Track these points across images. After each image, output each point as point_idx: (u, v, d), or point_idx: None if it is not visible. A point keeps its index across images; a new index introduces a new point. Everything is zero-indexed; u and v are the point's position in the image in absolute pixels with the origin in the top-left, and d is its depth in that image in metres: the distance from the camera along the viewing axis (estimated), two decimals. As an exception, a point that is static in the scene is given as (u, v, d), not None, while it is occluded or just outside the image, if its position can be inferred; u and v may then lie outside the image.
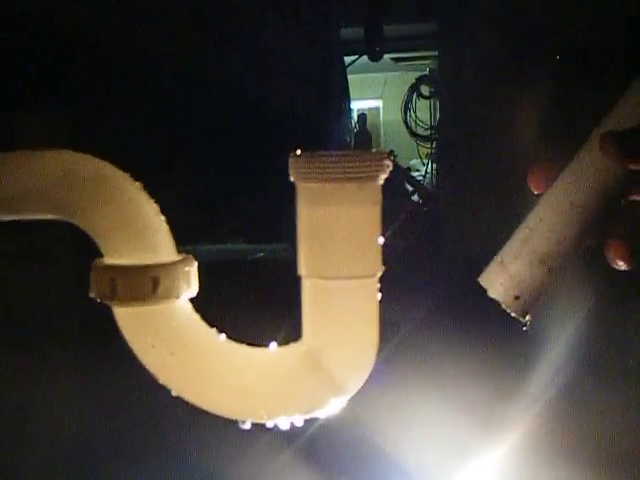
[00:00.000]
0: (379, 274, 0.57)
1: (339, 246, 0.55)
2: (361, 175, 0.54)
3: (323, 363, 0.57)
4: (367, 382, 0.59)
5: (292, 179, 0.56)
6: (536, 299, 0.62)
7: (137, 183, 0.60)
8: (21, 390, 1.74)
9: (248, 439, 1.44)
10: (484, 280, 0.64)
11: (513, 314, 0.63)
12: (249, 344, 0.60)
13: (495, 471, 1.16)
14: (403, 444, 1.24)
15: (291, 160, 0.56)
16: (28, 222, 0.64)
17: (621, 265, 0.62)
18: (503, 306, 0.63)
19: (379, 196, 0.56)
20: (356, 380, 0.58)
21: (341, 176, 0.54)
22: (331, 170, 0.54)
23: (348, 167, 0.54)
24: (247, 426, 0.59)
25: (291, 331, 0.61)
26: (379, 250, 0.57)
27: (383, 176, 0.56)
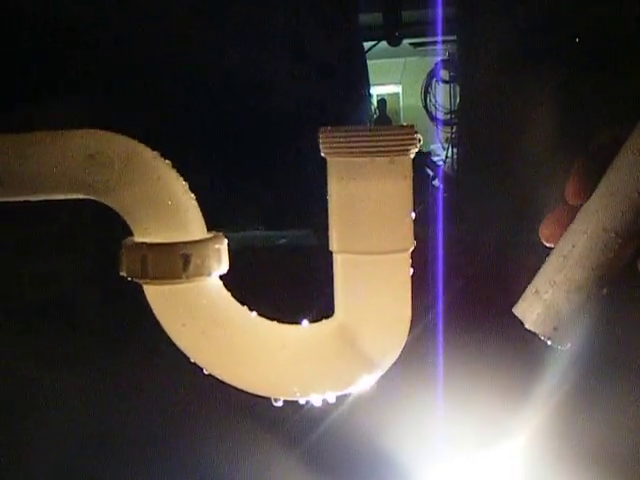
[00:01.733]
0: (411, 249, 0.57)
1: (370, 221, 0.55)
2: (392, 149, 0.54)
3: (355, 339, 0.57)
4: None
5: (323, 154, 0.56)
6: (575, 327, 0.61)
7: (167, 161, 0.59)
8: (32, 379, 1.75)
9: (252, 437, 1.45)
10: (519, 311, 0.62)
11: (552, 344, 0.61)
12: (280, 321, 0.60)
13: (500, 472, 1.16)
14: (405, 443, 1.24)
15: (322, 135, 0.56)
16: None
17: None
18: (542, 338, 0.61)
19: (410, 170, 0.56)
20: (388, 356, 0.58)
21: (372, 150, 0.54)
22: (362, 144, 0.54)
23: (379, 141, 0.54)
24: (279, 404, 0.59)
25: (316, 315, 0.61)
26: (411, 225, 0.56)
27: (414, 150, 0.55)
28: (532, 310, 0.61)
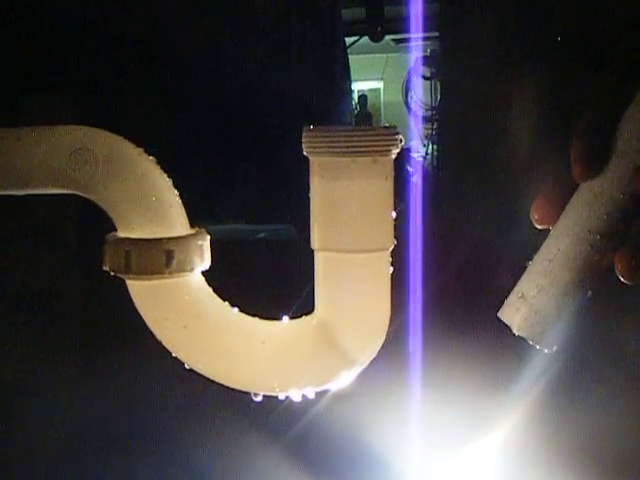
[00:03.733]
0: (391, 248, 0.58)
1: (352, 220, 0.56)
2: (374, 149, 0.55)
3: (335, 336, 0.58)
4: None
5: (305, 153, 0.57)
6: (563, 330, 0.61)
7: (151, 158, 0.60)
8: (19, 372, 1.74)
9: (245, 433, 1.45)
10: (506, 316, 0.62)
11: (539, 347, 0.62)
12: (261, 317, 0.61)
13: (493, 472, 1.17)
14: (395, 442, 1.25)
15: (304, 134, 0.56)
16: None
17: (623, 279, 0.61)
18: (530, 342, 0.61)
19: (391, 170, 0.57)
20: (368, 353, 0.59)
21: (354, 150, 0.55)
22: (344, 144, 0.55)
23: (361, 141, 0.55)
24: (259, 399, 0.60)
25: (296, 309, 0.62)
26: (391, 224, 0.57)
27: (396, 150, 0.56)
28: (519, 314, 0.61)
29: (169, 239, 0.57)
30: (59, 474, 1.52)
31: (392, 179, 0.57)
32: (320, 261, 0.58)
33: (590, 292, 0.60)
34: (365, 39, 4.28)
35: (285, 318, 0.60)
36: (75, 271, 2.17)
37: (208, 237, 0.60)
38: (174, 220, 0.59)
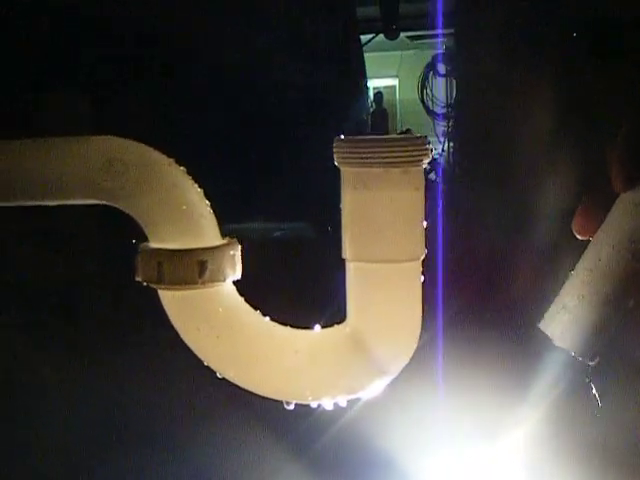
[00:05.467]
0: (422, 257, 0.58)
1: (383, 230, 0.56)
2: (405, 160, 0.55)
3: (367, 345, 0.58)
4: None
5: (336, 163, 0.57)
6: (604, 341, 0.60)
7: (182, 168, 0.60)
8: (35, 371, 1.75)
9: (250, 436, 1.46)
10: (547, 327, 0.62)
11: (581, 359, 0.60)
12: (292, 326, 0.61)
13: (502, 472, 1.17)
14: (406, 442, 1.25)
15: (335, 145, 0.57)
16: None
17: None
18: (571, 353, 0.60)
19: (422, 180, 0.57)
20: (399, 361, 0.59)
21: (386, 161, 0.55)
22: (376, 155, 0.55)
23: (392, 152, 0.55)
24: (291, 407, 0.60)
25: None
26: (422, 233, 0.57)
27: (426, 160, 0.57)
28: (559, 326, 0.61)
29: (202, 249, 0.58)
30: (82, 470, 1.52)
31: (423, 188, 0.57)
32: (352, 271, 0.58)
33: (632, 301, 0.60)
34: (380, 37, 4.28)
35: (317, 326, 0.60)
36: (93, 273, 2.18)
37: (239, 247, 0.61)
38: (206, 230, 0.59)
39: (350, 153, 0.56)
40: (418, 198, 0.57)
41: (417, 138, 0.56)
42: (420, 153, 0.56)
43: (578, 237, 0.62)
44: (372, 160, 0.55)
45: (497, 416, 1.24)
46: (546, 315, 0.62)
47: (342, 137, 0.57)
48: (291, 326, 0.61)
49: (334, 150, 0.57)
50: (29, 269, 2.12)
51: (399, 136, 0.56)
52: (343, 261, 0.59)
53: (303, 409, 0.61)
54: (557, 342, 0.60)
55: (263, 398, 0.61)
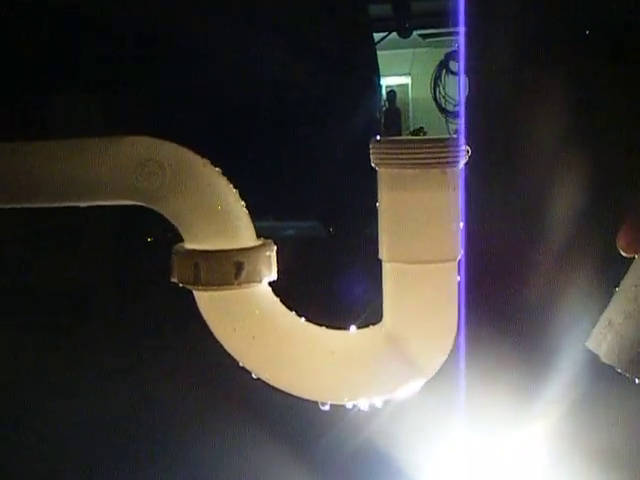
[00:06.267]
0: (459, 258, 0.58)
1: (420, 231, 0.56)
2: (443, 160, 0.55)
3: (403, 345, 0.58)
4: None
5: (373, 164, 0.57)
6: None
7: (217, 169, 0.60)
8: (44, 373, 1.76)
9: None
10: (593, 344, 0.61)
11: (628, 375, 0.60)
12: (327, 327, 0.61)
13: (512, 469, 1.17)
14: (415, 444, 1.25)
15: (372, 145, 0.57)
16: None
17: None
18: (617, 370, 0.60)
19: (459, 181, 0.57)
20: (435, 362, 0.59)
21: (423, 161, 0.55)
22: (413, 155, 0.55)
23: (430, 152, 0.55)
24: (326, 408, 0.60)
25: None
26: (459, 234, 0.57)
27: (463, 161, 0.56)
28: (606, 342, 0.60)
29: (238, 250, 0.58)
30: (82, 471, 1.53)
31: (459, 189, 0.57)
32: (388, 272, 0.58)
33: None
34: (393, 35, 4.27)
35: (353, 327, 0.60)
36: (108, 274, 2.18)
37: (275, 247, 0.61)
38: (242, 231, 0.59)
39: (387, 154, 0.56)
40: (455, 198, 0.57)
41: (454, 139, 0.56)
42: (457, 154, 0.56)
43: (623, 254, 0.61)
44: (410, 161, 0.55)
45: (514, 418, 1.24)
46: (592, 332, 0.61)
47: (378, 138, 0.57)
48: (326, 327, 0.61)
49: (371, 151, 0.57)
50: (40, 271, 2.12)
51: (436, 137, 0.56)
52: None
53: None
54: (604, 359, 0.60)
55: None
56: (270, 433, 1.47)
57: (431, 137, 0.56)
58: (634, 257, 0.61)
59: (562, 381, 1.15)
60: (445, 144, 0.55)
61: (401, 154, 0.55)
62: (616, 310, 0.60)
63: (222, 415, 1.56)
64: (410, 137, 0.56)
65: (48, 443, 1.62)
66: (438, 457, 1.21)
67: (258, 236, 0.61)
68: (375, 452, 1.30)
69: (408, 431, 1.24)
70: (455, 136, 0.57)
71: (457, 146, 0.56)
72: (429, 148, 0.55)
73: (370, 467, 1.30)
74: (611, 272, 0.64)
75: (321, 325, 0.61)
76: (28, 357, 1.82)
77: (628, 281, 0.60)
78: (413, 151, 0.55)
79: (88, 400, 1.72)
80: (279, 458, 1.41)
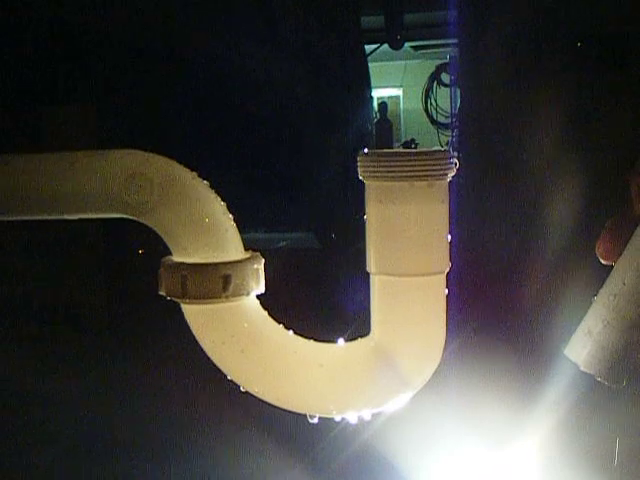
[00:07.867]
0: (447, 270, 0.58)
1: (408, 243, 0.56)
2: (431, 174, 0.55)
3: (392, 358, 0.58)
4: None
5: (360, 177, 0.57)
6: (630, 365, 0.60)
7: (205, 182, 0.60)
8: (38, 380, 1.75)
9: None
10: (572, 353, 0.61)
11: (607, 383, 0.60)
12: (316, 340, 0.61)
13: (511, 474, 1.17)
14: (419, 449, 1.25)
15: (360, 158, 0.57)
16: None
17: None
18: (597, 378, 0.60)
19: (447, 194, 0.57)
20: (424, 375, 0.59)
21: (411, 174, 0.55)
22: (401, 168, 0.55)
23: (418, 165, 0.55)
24: (315, 420, 0.60)
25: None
26: (447, 247, 0.57)
27: (451, 174, 0.56)
28: (585, 351, 0.60)
29: (226, 263, 0.58)
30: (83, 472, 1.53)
31: (447, 202, 0.57)
32: (376, 284, 0.58)
33: None
34: (385, 47, 4.28)
35: (340, 340, 0.60)
36: (100, 283, 2.18)
37: (263, 260, 0.60)
38: (229, 244, 0.59)
39: (375, 167, 0.56)
40: (443, 211, 0.57)
41: (442, 152, 0.56)
42: (445, 167, 0.56)
43: (602, 262, 0.61)
44: (398, 174, 0.55)
45: (508, 423, 1.24)
46: (571, 340, 0.61)
47: (366, 151, 0.57)
48: (314, 340, 0.60)
49: (358, 164, 0.57)
50: (34, 281, 2.12)
51: (424, 150, 0.56)
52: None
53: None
54: (583, 367, 0.60)
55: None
56: (270, 433, 1.47)
57: (419, 150, 0.56)
58: (612, 265, 0.61)
59: (557, 387, 1.15)
60: (433, 157, 0.55)
61: (389, 167, 0.55)
62: (595, 319, 0.60)
63: (222, 419, 1.55)
64: (397, 150, 0.56)
65: (42, 453, 1.62)
66: (434, 463, 1.21)
67: (246, 249, 0.61)
68: (372, 457, 1.29)
69: (404, 438, 1.24)
70: (443, 149, 0.57)
71: (445, 159, 0.56)
72: (417, 161, 0.55)
73: (369, 468, 1.30)
74: (606, 280, 0.64)
75: (310, 338, 0.60)
76: (21, 366, 1.81)
77: (606, 289, 0.60)
78: (400, 164, 0.55)
79: (81, 410, 1.72)
80: (279, 460, 1.41)
